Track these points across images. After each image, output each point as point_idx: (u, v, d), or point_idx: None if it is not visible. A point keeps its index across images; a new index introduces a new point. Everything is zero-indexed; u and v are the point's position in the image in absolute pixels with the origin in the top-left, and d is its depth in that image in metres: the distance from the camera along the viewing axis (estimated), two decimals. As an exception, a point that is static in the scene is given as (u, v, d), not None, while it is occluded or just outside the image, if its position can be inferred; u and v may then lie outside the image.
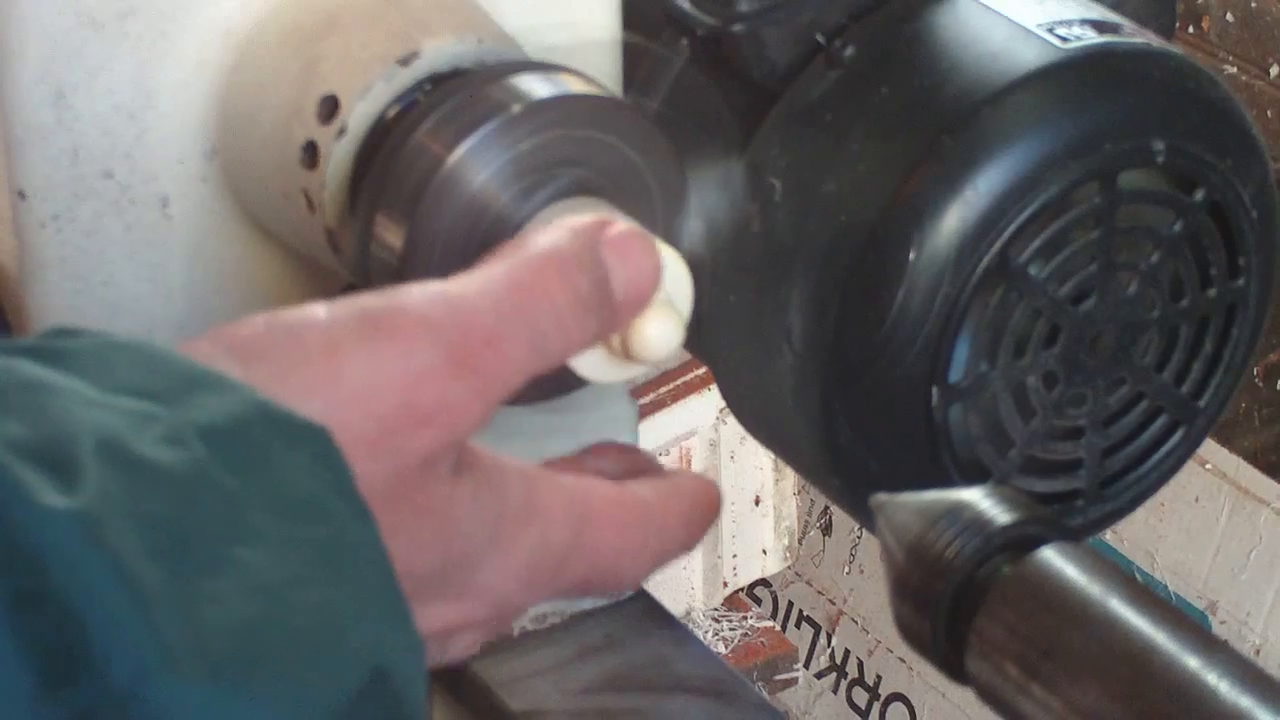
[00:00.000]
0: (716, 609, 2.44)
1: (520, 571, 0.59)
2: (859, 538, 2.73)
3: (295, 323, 0.56)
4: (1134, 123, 0.83)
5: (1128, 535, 2.47)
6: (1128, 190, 0.83)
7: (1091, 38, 0.84)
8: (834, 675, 2.77)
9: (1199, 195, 0.85)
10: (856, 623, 2.74)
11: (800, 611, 2.81)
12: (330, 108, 0.78)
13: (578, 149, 0.73)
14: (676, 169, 0.76)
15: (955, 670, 0.62)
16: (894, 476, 0.84)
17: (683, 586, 2.41)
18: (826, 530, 2.77)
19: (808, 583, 2.79)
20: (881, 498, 0.65)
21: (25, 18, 0.79)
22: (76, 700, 0.45)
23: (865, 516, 0.83)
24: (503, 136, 0.72)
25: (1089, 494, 0.88)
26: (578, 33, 0.85)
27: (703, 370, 2.17)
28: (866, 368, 0.83)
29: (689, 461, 2.34)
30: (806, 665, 2.76)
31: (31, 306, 0.84)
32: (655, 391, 2.27)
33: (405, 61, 0.77)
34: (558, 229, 0.62)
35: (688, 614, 2.40)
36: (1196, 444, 0.90)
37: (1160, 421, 0.89)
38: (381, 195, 0.74)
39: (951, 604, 0.61)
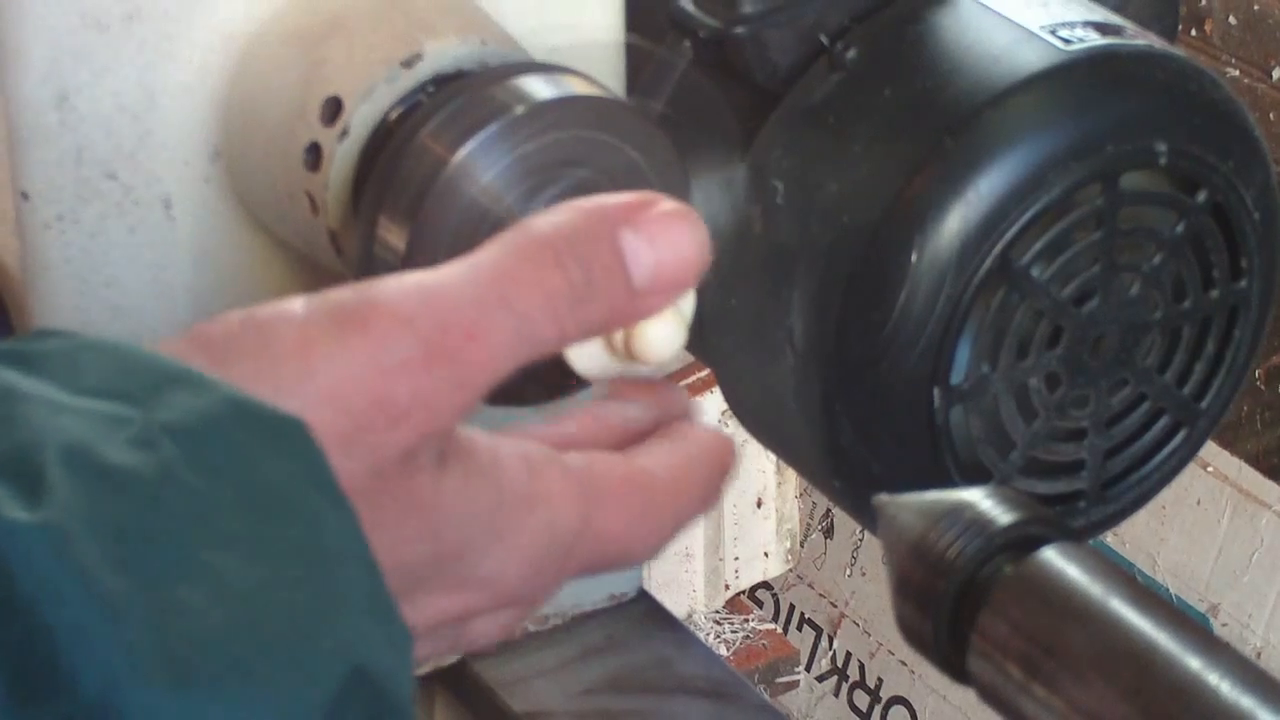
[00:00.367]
0: (718, 611, 2.44)
1: (527, 558, 0.58)
2: (860, 540, 2.73)
3: (269, 320, 0.55)
4: (1136, 124, 0.83)
5: (1129, 538, 2.47)
6: (1130, 192, 0.83)
7: (1094, 40, 0.84)
8: (835, 678, 2.77)
9: (1201, 197, 0.85)
10: (858, 625, 2.74)
11: (802, 614, 2.81)
12: (333, 109, 0.78)
13: (580, 150, 0.73)
14: (679, 170, 0.76)
15: (957, 670, 0.62)
16: (895, 478, 0.84)
17: (684, 589, 2.41)
18: (828, 533, 2.77)
19: (809, 585, 2.79)
20: (884, 498, 0.65)
21: (30, 19, 0.79)
22: (46, 714, 0.45)
23: (867, 518, 0.83)
24: (506, 138, 0.72)
25: (1091, 495, 0.88)
26: (581, 34, 0.85)
27: (705, 372, 2.17)
28: (868, 369, 0.83)
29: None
30: (808, 668, 2.76)
31: (35, 307, 0.85)
32: (657, 393, 2.26)
33: (408, 63, 0.78)
34: (569, 209, 0.59)
35: (689, 616, 2.40)
36: (1199, 445, 0.90)
37: (1162, 423, 0.89)
38: (385, 197, 0.74)
39: (953, 604, 0.61)
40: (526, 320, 0.57)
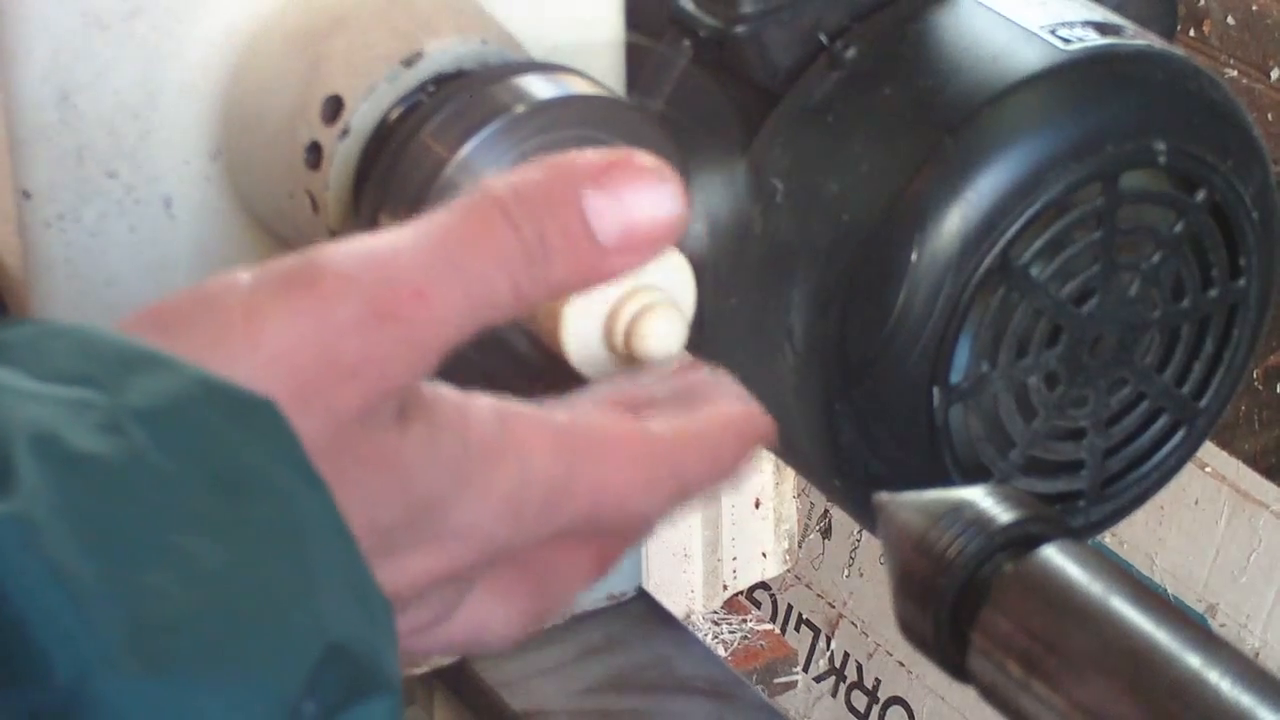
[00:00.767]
0: (716, 612, 2.44)
1: (500, 507, 0.57)
2: (859, 541, 2.73)
3: (216, 291, 0.55)
4: (1136, 124, 0.83)
5: (1127, 538, 2.47)
6: (1129, 191, 0.83)
7: (1093, 39, 0.84)
8: (833, 679, 2.77)
9: (1200, 196, 0.85)
10: (856, 626, 2.74)
11: (800, 615, 2.80)
12: (334, 108, 0.78)
13: (581, 149, 0.73)
14: (679, 170, 0.76)
15: (957, 668, 0.62)
16: (895, 477, 0.84)
17: (682, 589, 2.41)
18: (826, 533, 2.77)
19: (807, 586, 2.79)
20: (884, 497, 0.65)
21: (31, 18, 0.79)
22: (19, 704, 0.45)
23: (866, 517, 0.83)
24: (506, 137, 0.72)
25: (1090, 494, 0.88)
26: (581, 33, 0.85)
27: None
28: (868, 368, 0.83)
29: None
30: (806, 669, 2.76)
31: (35, 306, 0.85)
32: (656, 394, 2.26)
33: (409, 62, 0.78)
34: (533, 167, 0.58)
35: (687, 617, 2.40)
36: (1197, 444, 0.90)
37: (1161, 422, 0.89)
38: (385, 196, 0.74)
39: (954, 602, 0.61)
40: (478, 280, 0.56)
